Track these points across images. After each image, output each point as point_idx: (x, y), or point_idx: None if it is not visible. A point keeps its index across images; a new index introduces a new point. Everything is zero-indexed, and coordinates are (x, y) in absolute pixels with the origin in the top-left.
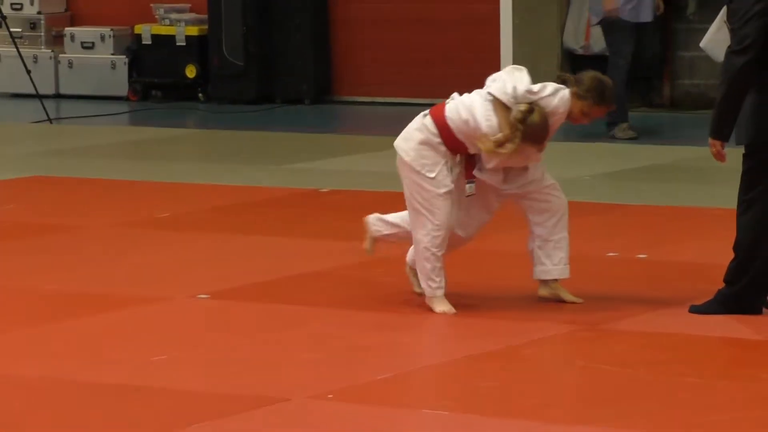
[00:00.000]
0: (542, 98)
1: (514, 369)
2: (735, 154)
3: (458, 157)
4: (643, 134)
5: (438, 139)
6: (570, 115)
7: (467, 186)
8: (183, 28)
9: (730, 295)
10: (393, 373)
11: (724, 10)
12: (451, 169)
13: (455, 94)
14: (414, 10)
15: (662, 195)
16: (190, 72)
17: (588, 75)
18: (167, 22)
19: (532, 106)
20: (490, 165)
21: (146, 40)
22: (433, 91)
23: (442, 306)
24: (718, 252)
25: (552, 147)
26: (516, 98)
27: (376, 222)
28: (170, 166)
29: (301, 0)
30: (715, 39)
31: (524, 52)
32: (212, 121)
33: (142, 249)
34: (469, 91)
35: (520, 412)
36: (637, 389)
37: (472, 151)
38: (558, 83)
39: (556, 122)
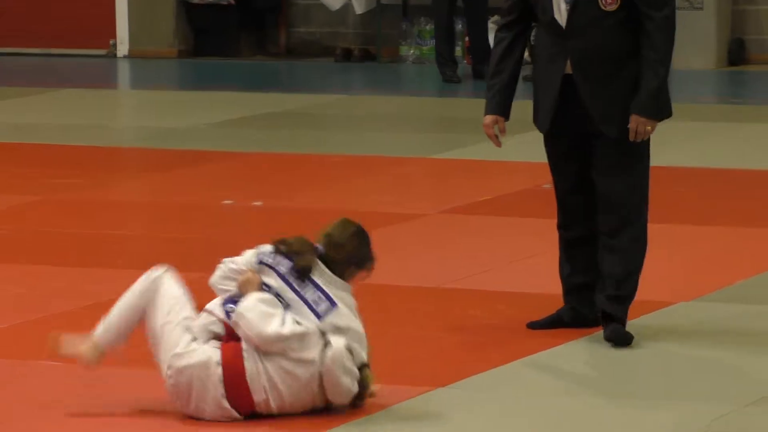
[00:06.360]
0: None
1: None
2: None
3: None
4: (260, 82)
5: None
6: None
7: None
8: None
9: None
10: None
11: None
12: None
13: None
14: None
15: (278, 142)
16: None
17: (347, 233)
18: None
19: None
20: None
21: None
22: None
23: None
24: (332, 198)
25: (162, 96)
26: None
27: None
28: None
29: None
30: None
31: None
32: None
33: None
34: None
35: None
36: None
37: None
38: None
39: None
